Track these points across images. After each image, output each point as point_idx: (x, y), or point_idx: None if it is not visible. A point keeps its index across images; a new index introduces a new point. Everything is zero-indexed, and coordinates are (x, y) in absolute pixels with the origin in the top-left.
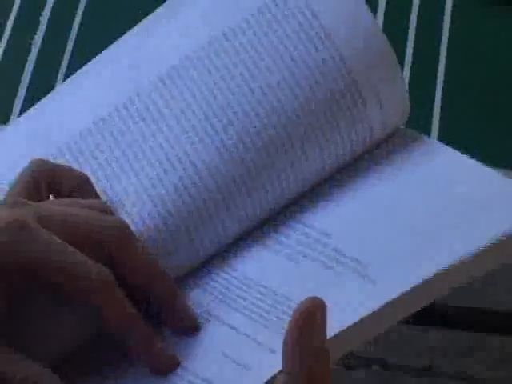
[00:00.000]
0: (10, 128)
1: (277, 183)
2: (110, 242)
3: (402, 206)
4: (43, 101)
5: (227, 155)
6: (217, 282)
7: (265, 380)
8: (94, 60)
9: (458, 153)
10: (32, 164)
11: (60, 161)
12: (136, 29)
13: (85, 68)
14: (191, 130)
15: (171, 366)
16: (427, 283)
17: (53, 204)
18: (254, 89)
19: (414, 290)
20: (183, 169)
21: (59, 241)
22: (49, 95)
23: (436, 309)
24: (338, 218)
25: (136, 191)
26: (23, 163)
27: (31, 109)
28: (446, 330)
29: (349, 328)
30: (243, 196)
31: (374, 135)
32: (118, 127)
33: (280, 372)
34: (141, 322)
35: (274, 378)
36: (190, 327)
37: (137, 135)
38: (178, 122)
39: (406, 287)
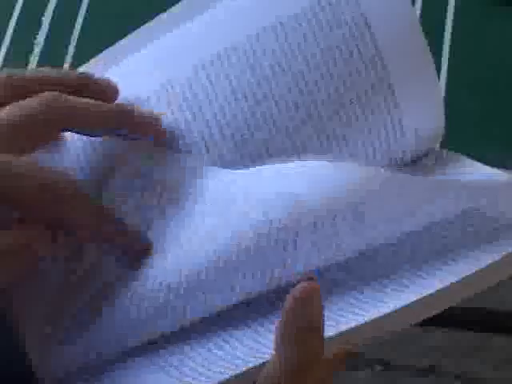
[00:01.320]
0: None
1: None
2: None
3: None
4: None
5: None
6: None
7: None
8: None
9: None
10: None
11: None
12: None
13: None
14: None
15: (146, 249)
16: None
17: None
18: (301, 81)
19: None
20: None
21: (31, 163)
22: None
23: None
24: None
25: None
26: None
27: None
28: (450, 330)
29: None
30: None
31: (406, 144)
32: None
33: (272, 356)
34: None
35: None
36: (142, 249)
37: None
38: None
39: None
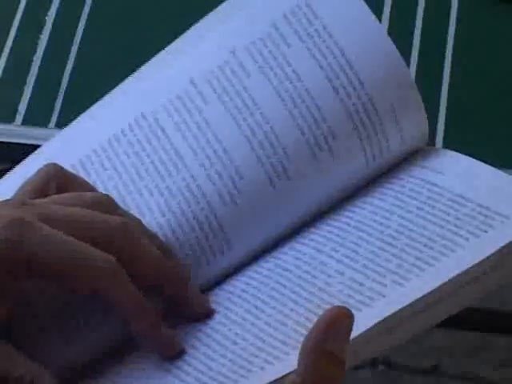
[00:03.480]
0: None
1: (303, 193)
2: (113, 241)
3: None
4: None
5: (255, 158)
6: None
7: (272, 379)
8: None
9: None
10: (44, 166)
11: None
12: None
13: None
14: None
15: (176, 349)
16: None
17: (56, 202)
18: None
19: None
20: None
21: (61, 234)
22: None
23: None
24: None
25: (156, 203)
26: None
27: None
28: (452, 330)
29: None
30: (271, 206)
31: (391, 153)
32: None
33: (292, 372)
34: (149, 306)
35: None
36: (204, 314)
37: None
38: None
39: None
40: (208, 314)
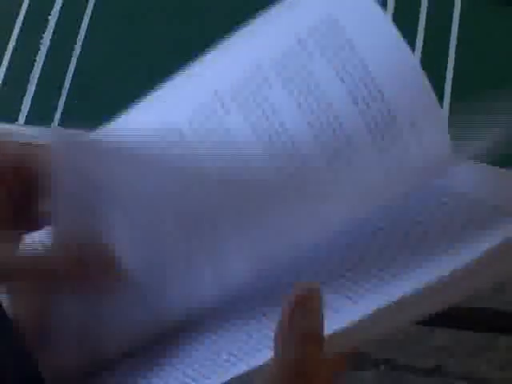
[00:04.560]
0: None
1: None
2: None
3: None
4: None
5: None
6: None
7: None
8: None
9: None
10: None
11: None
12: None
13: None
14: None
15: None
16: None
17: None
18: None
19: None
20: None
21: None
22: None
23: (445, 308)
24: None
25: None
26: None
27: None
28: (454, 330)
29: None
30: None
31: (411, 164)
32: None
33: (271, 360)
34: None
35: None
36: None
37: None
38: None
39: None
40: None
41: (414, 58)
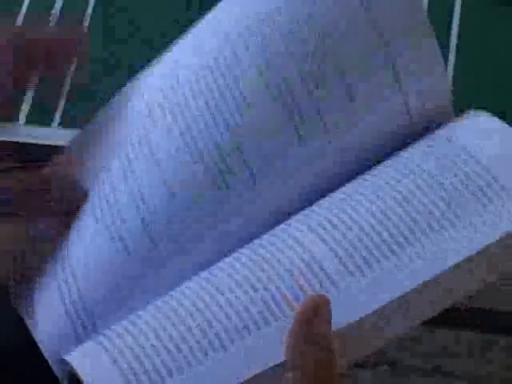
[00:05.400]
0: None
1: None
2: None
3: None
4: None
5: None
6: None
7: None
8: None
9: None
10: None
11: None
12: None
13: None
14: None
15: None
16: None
17: None
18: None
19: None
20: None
21: None
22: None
23: (445, 309)
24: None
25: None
26: None
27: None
28: (456, 330)
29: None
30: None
31: (411, 111)
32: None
33: (286, 368)
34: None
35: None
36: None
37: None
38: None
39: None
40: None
41: None
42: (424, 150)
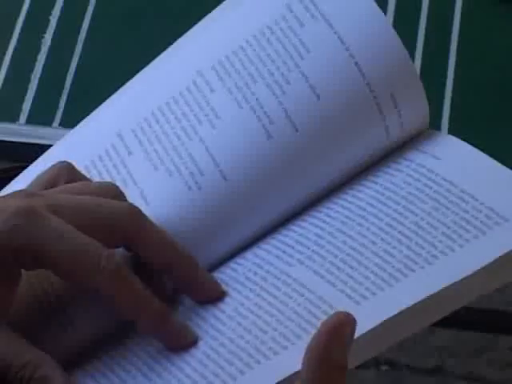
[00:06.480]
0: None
1: (300, 182)
2: (121, 226)
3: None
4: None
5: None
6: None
7: (279, 378)
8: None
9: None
10: (56, 163)
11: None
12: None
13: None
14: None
15: (186, 341)
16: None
17: (63, 191)
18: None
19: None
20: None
21: (69, 226)
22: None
23: None
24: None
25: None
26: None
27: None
28: (456, 330)
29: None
30: (274, 190)
31: (392, 138)
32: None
33: (296, 375)
34: (154, 303)
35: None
36: (216, 296)
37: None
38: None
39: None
40: (220, 297)
41: (391, 29)
42: (404, 178)
